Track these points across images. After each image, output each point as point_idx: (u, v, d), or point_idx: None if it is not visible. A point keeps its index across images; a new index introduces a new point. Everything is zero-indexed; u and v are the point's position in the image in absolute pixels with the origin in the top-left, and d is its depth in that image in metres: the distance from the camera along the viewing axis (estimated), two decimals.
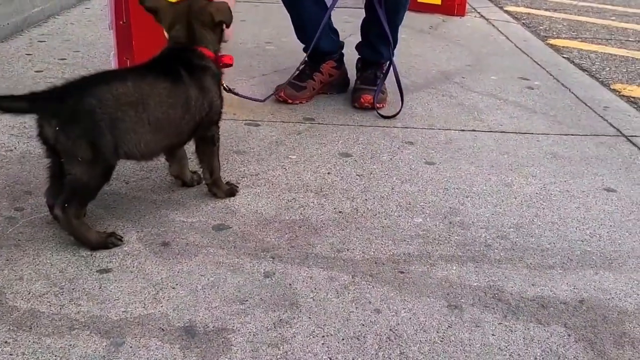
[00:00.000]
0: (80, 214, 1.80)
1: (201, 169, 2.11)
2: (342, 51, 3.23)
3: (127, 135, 1.78)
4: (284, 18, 4.50)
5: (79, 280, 1.67)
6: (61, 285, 1.65)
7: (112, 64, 2.81)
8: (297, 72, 3.06)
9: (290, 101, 3.02)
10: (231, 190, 2.15)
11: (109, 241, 1.83)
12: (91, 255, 1.78)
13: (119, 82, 1.79)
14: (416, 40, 4.31)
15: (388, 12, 2.94)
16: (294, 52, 3.69)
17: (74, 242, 1.81)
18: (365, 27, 3.14)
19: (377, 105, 2.97)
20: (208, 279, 1.71)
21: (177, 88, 1.89)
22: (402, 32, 4.46)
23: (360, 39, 3.19)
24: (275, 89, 3.02)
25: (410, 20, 4.85)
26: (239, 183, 2.22)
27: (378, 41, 3.06)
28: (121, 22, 2.69)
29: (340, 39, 3.21)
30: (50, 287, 1.64)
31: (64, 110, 1.70)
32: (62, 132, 1.69)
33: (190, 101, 1.91)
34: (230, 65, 2.10)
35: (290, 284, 1.71)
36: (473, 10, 5.43)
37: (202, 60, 1.98)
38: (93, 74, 1.83)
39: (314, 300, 1.66)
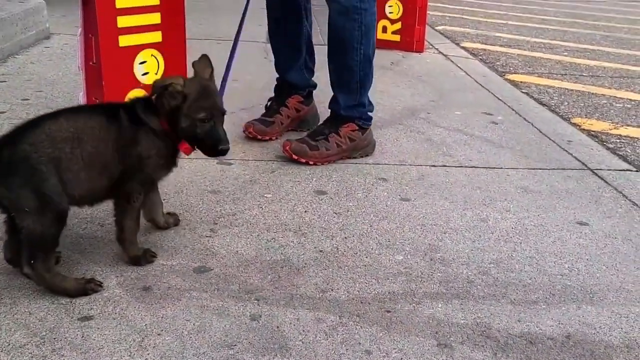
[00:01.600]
0: (49, 266, 1.72)
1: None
2: (313, 89, 3.21)
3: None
4: (248, 55, 4.53)
5: (60, 329, 1.61)
6: (42, 335, 1.59)
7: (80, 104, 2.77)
8: (266, 107, 3.06)
9: (259, 137, 2.99)
10: (138, 259, 1.92)
11: (88, 287, 1.77)
12: (71, 302, 1.72)
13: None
14: (379, 76, 4.34)
15: (331, 54, 2.84)
16: (260, 89, 3.71)
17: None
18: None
19: (295, 157, 2.76)
20: (194, 324, 1.67)
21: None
22: None
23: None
24: (244, 126, 3.01)
25: None
26: (154, 255, 1.98)
27: (334, 89, 2.92)
28: (91, 63, 2.66)
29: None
30: (31, 337, 1.58)
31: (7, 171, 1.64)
32: (2, 186, 1.64)
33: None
34: None
35: (277, 327, 1.68)
36: (431, 47, 5.55)
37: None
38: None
39: (303, 342, 1.63)
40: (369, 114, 2.94)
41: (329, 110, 2.95)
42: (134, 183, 1.89)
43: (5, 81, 3.66)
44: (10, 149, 1.67)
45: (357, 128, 2.86)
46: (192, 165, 2.66)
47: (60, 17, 5.30)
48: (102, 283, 1.80)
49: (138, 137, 1.86)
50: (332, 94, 2.93)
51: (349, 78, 2.84)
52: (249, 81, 3.92)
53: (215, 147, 1.91)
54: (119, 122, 1.84)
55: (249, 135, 3.00)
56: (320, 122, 3.06)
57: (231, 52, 2.34)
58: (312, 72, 3.20)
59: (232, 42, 2.36)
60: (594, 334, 1.73)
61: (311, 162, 2.76)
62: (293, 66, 3.13)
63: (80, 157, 1.75)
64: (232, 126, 3.13)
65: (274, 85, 3.20)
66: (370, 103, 2.95)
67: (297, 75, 3.11)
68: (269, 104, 3.12)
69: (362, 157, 2.89)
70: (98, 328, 1.63)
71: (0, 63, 4.02)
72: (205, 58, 2.04)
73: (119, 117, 1.85)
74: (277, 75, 3.18)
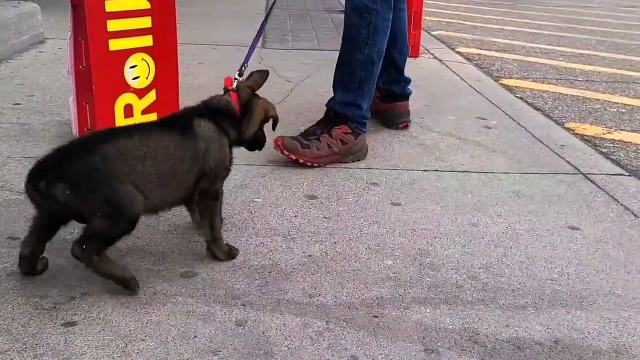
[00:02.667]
0: (100, 252, 1.75)
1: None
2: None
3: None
4: (242, 59, 4.51)
5: (43, 335, 1.59)
6: (24, 340, 1.57)
7: (71, 108, 2.75)
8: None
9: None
10: (231, 253, 2.02)
11: (131, 285, 1.79)
12: (55, 307, 1.71)
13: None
14: None
15: (340, 50, 2.87)
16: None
17: (36, 295, 1.74)
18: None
19: (286, 152, 2.75)
20: (178, 330, 1.65)
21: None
22: None
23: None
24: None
25: None
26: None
27: (334, 85, 2.95)
28: (81, 67, 2.65)
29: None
30: (13, 343, 1.56)
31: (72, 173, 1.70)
32: (73, 193, 1.68)
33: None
34: None
35: (263, 332, 1.67)
36: (426, 52, 5.54)
37: None
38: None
39: (288, 348, 1.62)
40: (364, 120, 2.94)
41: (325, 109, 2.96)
42: (217, 184, 2.00)
43: None
44: (82, 157, 1.72)
45: (350, 131, 2.86)
46: None
47: (55, 21, 5.28)
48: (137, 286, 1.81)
49: (220, 144, 1.98)
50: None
51: (349, 75, 2.87)
52: None
53: (263, 144, 2.22)
54: (194, 134, 1.91)
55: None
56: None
57: (251, 46, 2.38)
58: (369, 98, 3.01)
59: (252, 42, 2.38)
60: (582, 339, 1.72)
61: (301, 161, 2.76)
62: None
63: (154, 175, 1.80)
64: None
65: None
66: (367, 110, 2.94)
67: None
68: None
69: (353, 161, 2.88)
70: (81, 334, 1.61)
71: None
72: (264, 73, 2.22)
73: (193, 128, 1.92)
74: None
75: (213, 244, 2.00)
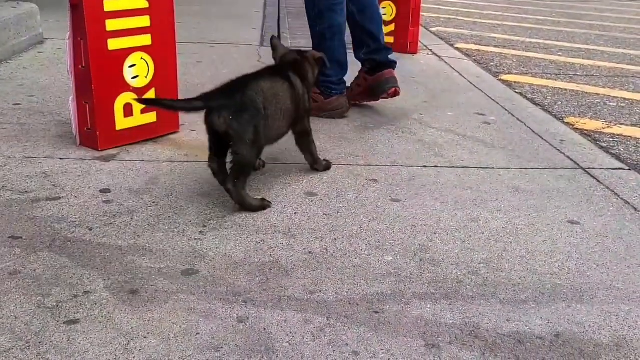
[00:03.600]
0: (245, 186, 2.29)
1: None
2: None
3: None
4: (240, 58, 4.54)
5: (46, 333, 1.60)
6: (27, 339, 1.58)
7: (70, 108, 2.76)
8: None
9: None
10: (327, 165, 2.73)
11: (265, 204, 2.35)
12: (57, 306, 1.71)
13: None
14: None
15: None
16: None
17: (39, 293, 1.75)
18: None
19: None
20: (180, 327, 1.66)
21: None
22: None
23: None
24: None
25: None
26: (328, 160, 2.74)
27: None
28: (80, 67, 2.65)
29: None
30: (16, 341, 1.57)
31: (234, 104, 2.22)
32: (234, 120, 2.20)
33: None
34: None
35: (264, 329, 1.68)
36: (425, 48, 5.54)
37: None
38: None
39: (289, 344, 1.62)
40: (332, 85, 3.44)
41: None
42: (307, 122, 2.63)
43: None
44: (242, 93, 2.25)
45: (319, 92, 3.42)
46: (182, 168, 2.65)
47: (54, 22, 5.29)
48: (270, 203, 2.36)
49: (304, 89, 2.56)
50: None
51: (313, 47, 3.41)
52: None
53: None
54: (292, 82, 2.50)
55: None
56: None
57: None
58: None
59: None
60: (583, 332, 1.73)
61: None
62: None
63: (280, 110, 2.40)
64: None
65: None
66: (337, 75, 3.44)
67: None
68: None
69: (331, 118, 3.43)
70: (84, 332, 1.62)
71: None
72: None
73: (290, 78, 2.49)
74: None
75: (315, 164, 2.71)
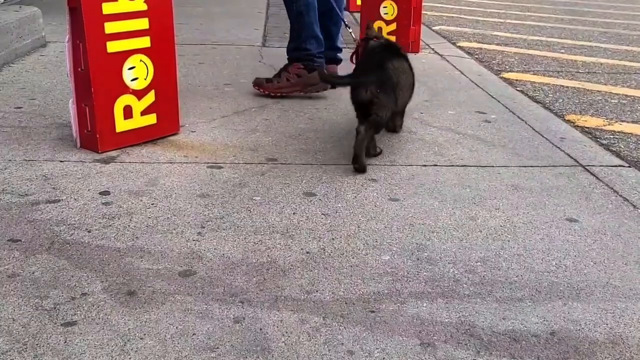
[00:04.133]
0: (372, 140, 2.87)
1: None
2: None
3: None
4: (242, 59, 4.54)
5: (43, 335, 1.62)
6: (24, 341, 1.59)
7: (71, 111, 2.78)
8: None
9: (255, 88, 3.73)
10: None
11: (378, 151, 2.95)
12: (55, 308, 1.73)
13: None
14: None
15: None
16: (253, 92, 3.72)
17: (36, 296, 1.76)
18: None
19: (255, 87, 3.74)
20: (177, 328, 1.67)
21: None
22: None
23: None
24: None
25: None
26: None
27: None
28: (79, 70, 2.67)
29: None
30: (13, 343, 1.58)
31: (380, 80, 2.78)
32: (380, 92, 2.75)
33: None
34: None
35: (260, 329, 1.69)
36: (427, 47, 5.54)
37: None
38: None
39: (285, 344, 1.63)
40: (314, 58, 3.68)
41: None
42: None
43: None
44: (383, 72, 2.81)
45: (302, 67, 3.68)
46: (182, 170, 2.66)
47: (57, 25, 5.30)
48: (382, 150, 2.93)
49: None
50: None
51: (291, 27, 3.73)
52: (242, 85, 3.92)
53: None
54: (408, 60, 3.12)
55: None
56: None
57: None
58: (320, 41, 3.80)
59: None
60: (578, 330, 1.73)
61: (266, 92, 3.70)
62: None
63: (406, 84, 3.00)
64: (225, 130, 3.15)
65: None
66: (317, 49, 3.70)
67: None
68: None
69: (317, 92, 3.71)
70: (81, 333, 1.63)
71: None
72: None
73: (407, 56, 3.13)
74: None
75: (399, 129, 3.28)
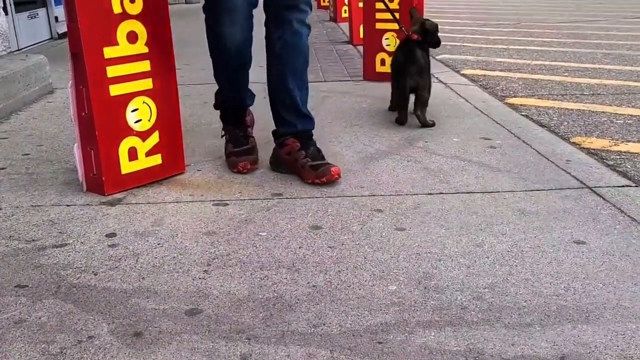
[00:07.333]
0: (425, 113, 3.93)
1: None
2: None
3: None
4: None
5: None
6: None
7: (76, 155, 2.80)
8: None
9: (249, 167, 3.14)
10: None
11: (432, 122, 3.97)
12: (61, 352, 1.72)
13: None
14: (376, 109, 4.39)
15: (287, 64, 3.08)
16: (259, 130, 3.74)
17: (43, 341, 1.76)
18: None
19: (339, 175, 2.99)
20: None
21: None
22: (363, 102, 4.57)
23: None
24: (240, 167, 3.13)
25: (370, 90, 4.97)
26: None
27: (304, 108, 3.15)
28: (83, 114, 2.70)
29: None
30: None
31: (419, 72, 3.86)
32: (421, 79, 3.85)
33: None
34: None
35: None
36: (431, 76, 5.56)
37: None
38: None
39: None
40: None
41: (301, 132, 3.12)
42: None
43: (7, 138, 3.72)
44: (418, 63, 3.85)
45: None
46: (188, 209, 2.68)
47: (64, 71, 5.38)
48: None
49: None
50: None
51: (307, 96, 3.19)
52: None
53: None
54: (428, 51, 4.03)
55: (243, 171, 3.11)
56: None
57: None
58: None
59: None
60: (589, 353, 1.70)
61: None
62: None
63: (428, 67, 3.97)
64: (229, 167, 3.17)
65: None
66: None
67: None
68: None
69: None
70: None
71: (3, 120, 4.10)
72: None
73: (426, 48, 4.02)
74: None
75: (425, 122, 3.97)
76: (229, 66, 3.14)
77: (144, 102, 2.84)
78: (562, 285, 2.05)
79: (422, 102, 3.88)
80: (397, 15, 4.42)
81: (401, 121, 3.98)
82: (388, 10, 4.26)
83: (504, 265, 2.19)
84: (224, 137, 3.35)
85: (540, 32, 9.37)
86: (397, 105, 4.04)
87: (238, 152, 3.17)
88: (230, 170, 3.14)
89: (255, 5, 2.97)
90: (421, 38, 3.94)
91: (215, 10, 2.89)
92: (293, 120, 3.10)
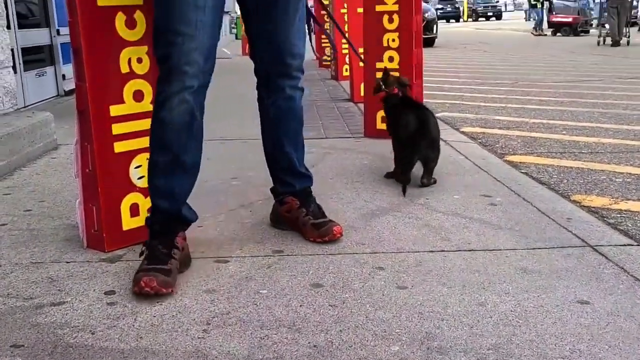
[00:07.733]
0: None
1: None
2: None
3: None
4: (249, 153, 4.61)
5: None
6: None
7: (78, 211, 2.81)
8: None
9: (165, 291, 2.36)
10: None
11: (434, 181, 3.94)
12: None
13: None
14: (376, 167, 4.41)
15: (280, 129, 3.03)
16: (260, 186, 3.75)
17: None
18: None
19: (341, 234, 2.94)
20: None
21: None
22: (364, 159, 4.59)
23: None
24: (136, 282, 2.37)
25: (371, 147, 5.00)
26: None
27: (301, 167, 3.12)
28: (87, 170, 2.72)
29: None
30: None
31: (429, 143, 3.84)
32: (433, 153, 3.84)
33: None
34: None
35: None
36: None
37: None
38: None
39: None
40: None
41: (299, 191, 3.09)
42: None
43: (10, 194, 3.73)
44: (429, 135, 3.83)
45: None
46: None
47: (69, 128, 5.41)
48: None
49: None
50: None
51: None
52: (248, 178, 3.97)
53: None
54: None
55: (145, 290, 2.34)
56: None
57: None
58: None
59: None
60: None
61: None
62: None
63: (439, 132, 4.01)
64: (231, 224, 3.17)
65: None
66: None
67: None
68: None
69: None
70: None
71: (6, 176, 4.12)
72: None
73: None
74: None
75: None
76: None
77: (147, 158, 2.85)
78: (567, 347, 2.03)
79: (429, 171, 3.84)
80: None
81: (405, 182, 3.75)
82: (344, 38, 4.34)
83: (508, 326, 2.16)
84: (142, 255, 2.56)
85: (538, 91, 9.49)
86: (402, 171, 3.84)
87: (149, 268, 2.40)
88: (132, 290, 2.39)
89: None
90: (401, 93, 3.99)
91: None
92: (291, 180, 3.10)
